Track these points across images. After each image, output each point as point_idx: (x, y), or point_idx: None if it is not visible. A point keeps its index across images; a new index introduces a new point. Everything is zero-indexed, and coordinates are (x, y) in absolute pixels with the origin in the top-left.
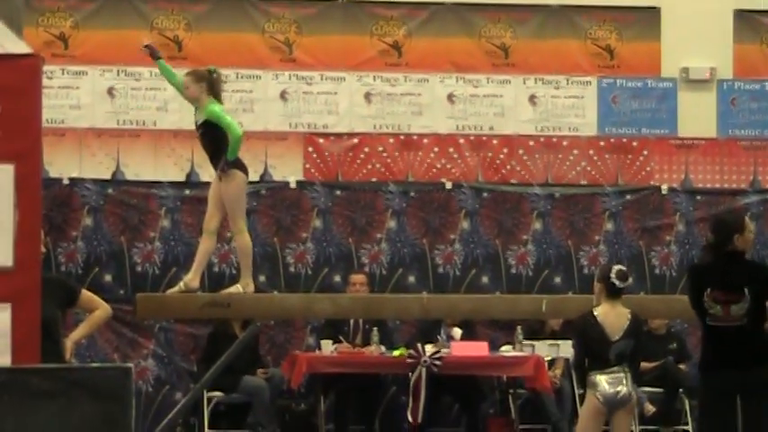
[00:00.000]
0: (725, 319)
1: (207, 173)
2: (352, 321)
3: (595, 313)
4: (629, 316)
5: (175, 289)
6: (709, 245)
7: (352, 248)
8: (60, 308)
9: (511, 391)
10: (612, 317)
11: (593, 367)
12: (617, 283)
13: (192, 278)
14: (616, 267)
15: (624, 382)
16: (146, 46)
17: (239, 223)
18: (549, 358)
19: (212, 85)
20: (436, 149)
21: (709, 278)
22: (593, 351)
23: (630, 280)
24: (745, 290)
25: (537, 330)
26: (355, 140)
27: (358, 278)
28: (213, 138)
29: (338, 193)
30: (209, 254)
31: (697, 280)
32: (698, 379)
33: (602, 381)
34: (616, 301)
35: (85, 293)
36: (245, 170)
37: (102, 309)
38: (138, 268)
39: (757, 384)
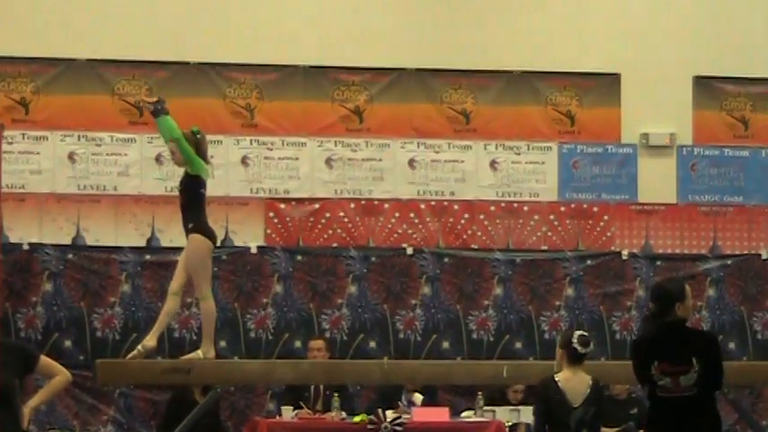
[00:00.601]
0: (675, 390)
1: (167, 238)
2: (312, 387)
3: (557, 379)
4: (591, 382)
5: (134, 352)
6: (651, 314)
7: (313, 314)
8: (18, 374)
9: None
10: (574, 383)
11: None
12: (579, 348)
13: (149, 338)
14: (578, 333)
15: None
16: (151, 102)
17: (203, 289)
18: (510, 424)
19: (198, 146)
20: (397, 215)
21: (654, 351)
22: (554, 417)
23: (592, 345)
24: (693, 360)
25: (497, 400)
26: (316, 206)
27: (316, 344)
28: (189, 194)
29: (299, 258)
30: (171, 315)
31: (642, 354)
32: None
33: None
34: (578, 367)
35: (44, 359)
36: (212, 236)
37: (62, 374)
38: (99, 334)
39: None
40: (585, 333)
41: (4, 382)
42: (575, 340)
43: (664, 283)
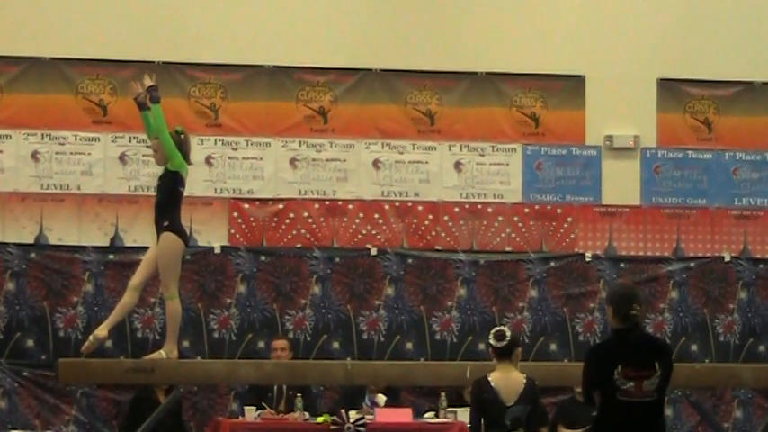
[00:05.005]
0: (638, 394)
1: (131, 237)
2: (275, 387)
3: (489, 378)
4: (525, 380)
5: (87, 343)
6: (637, 315)
7: (277, 314)
8: None
9: None
10: (506, 381)
11: None
12: (493, 342)
13: (101, 328)
14: (495, 329)
15: None
16: (148, 87)
17: (170, 288)
18: None
19: (181, 146)
20: (361, 215)
21: (618, 355)
22: (490, 416)
23: (509, 338)
24: (656, 365)
25: (454, 401)
26: (280, 206)
27: (279, 344)
28: (167, 191)
29: (263, 258)
30: (127, 309)
31: (605, 359)
32: None
33: None
34: (508, 364)
35: None
36: (184, 237)
37: None
38: (61, 333)
39: None
40: (503, 328)
41: None
42: (491, 336)
43: (629, 288)
